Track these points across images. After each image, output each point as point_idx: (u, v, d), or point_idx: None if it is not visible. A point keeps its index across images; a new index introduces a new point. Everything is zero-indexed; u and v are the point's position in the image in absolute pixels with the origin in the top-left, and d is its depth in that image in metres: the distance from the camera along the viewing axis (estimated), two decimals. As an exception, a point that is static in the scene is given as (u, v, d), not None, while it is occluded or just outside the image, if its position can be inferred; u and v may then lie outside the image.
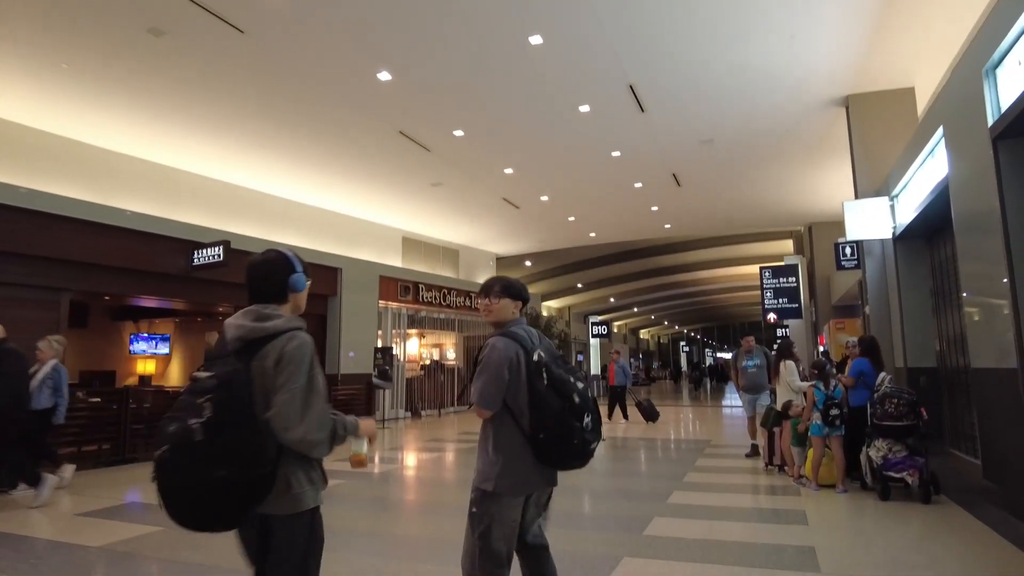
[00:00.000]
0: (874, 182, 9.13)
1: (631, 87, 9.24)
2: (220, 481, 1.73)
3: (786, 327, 23.46)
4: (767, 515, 5.33)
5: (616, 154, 11.92)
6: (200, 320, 15.09)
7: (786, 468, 7.01)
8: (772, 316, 19.55)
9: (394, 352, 15.07)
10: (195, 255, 10.62)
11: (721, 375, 41.26)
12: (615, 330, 38.26)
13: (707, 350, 68.05)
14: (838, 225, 17.44)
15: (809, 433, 6.25)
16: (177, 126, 9.99)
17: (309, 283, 2.14)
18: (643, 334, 57.20)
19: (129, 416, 8.44)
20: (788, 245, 25.26)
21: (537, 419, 2.40)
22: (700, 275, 30.38)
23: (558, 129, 10.72)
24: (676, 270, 28.39)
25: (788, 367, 6.88)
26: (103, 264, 9.69)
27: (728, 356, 51.98)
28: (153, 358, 15.49)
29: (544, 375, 2.44)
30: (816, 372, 6.42)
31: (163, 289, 10.56)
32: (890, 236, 8.41)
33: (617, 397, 14.18)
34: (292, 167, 11.96)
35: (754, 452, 8.41)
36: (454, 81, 8.97)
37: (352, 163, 12.03)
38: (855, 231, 8.66)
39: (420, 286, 15.89)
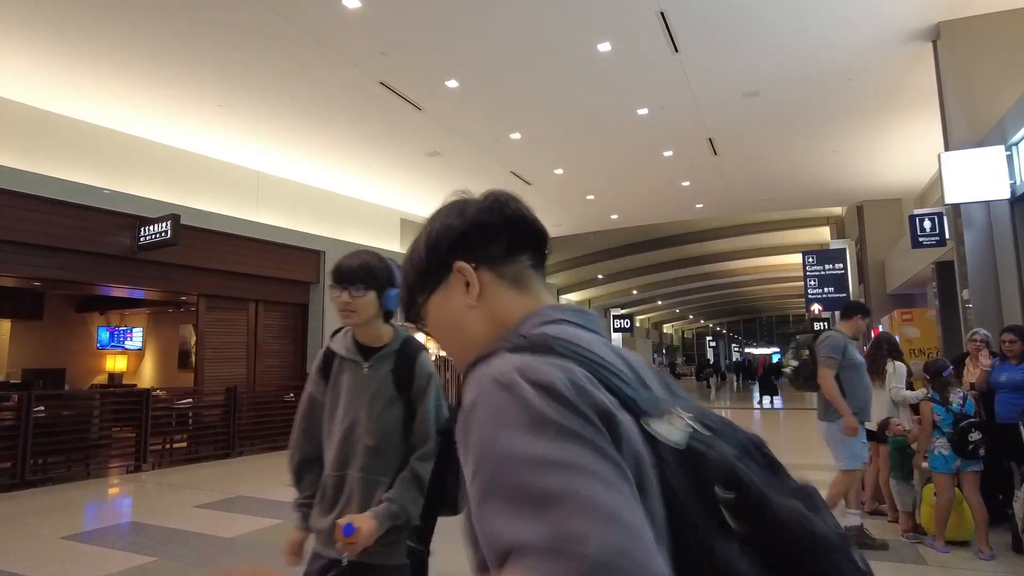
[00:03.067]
0: (975, 130, 7.12)
1: (662, 15, 7.33)
2: None
3: (825, 320, 21.40)
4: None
5: (643, 112, 10.00)
6: (171, 311, 13.47)
7: (884, 509, 5.10)
8: (817, 307, 17.51)
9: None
10: (141, 232, 8.94)
11: (748, 372, 38.61)
12: (637, 324, 36.32)
13: (733, 345, 65.64)
14: (893, 203, 15.45)
15: (928, 467, 4.33)
16: (115, 76, 8.26)
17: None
18: (666, 328, 55.10)
19: (32, 426, 6.74)
20: (824, 233, 23.27)
21: None
22: (729, 266, 28.35)
23: (573, 77, 8.82)
24: (703, 260, 26.41)
25: (898, 370, 4.93)
26: (24, 242, 8.05)
27: (762, 351, 47.98)
28: (124, 353, 13.92)
29: (733, 512, 0.59)
30: (929, 378, 4.49)
31: (102, 273, 8.89)
32: (1007, 197, 6.41)
33: None
34: (256, 130, 10.17)
35: (867, 540, 4.38)
36: (440, 9, 7.14)
37: (329, 127, 10.23)
38: (957, 192, 6.66)
39: (419, 273, 14.09)
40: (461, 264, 0.87)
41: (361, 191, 13.45)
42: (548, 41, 7.86)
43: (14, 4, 6.70)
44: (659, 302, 37.77)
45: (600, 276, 27.91)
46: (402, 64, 8.32)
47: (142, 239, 8.88)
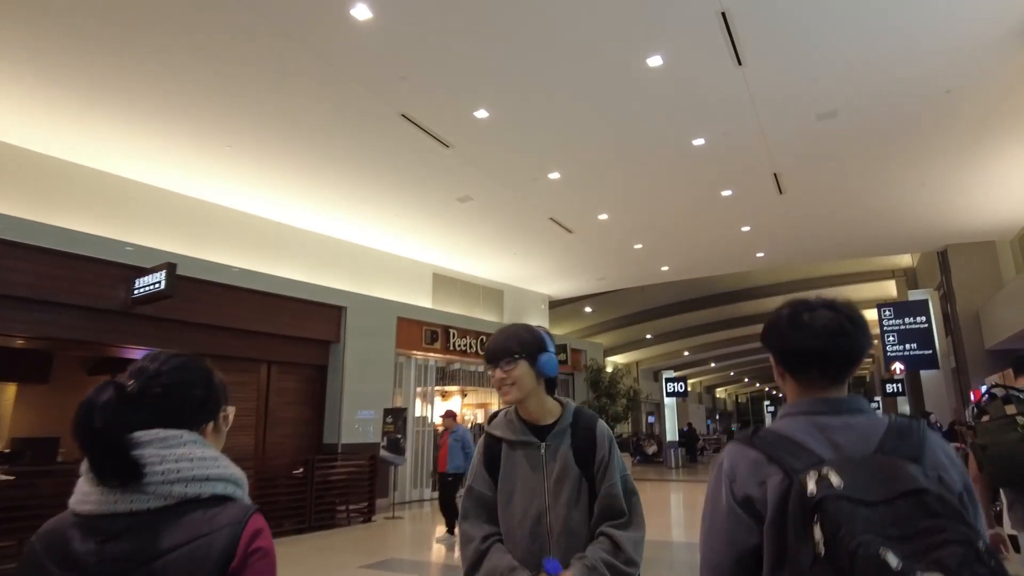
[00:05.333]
0: None
1: (723, 16, 6.20)
2: None
3: (899, 382, 19.27)
4: None
5: (699, 142, 8.79)
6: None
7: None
8: (898, 366, 15.56)
9: (416, 414, 12.02)
10: (137, 284, 8.02)
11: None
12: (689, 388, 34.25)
13: (792, 410, 61.91)
14: (985, 247, 13.65)
15: None
16: (109, 114, 7.50)
17: None
18: (719, 392, 52.41)
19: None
20: (890, 287, 21.46)
21: None
22: (788, 324, 26.47)
23: (619, 101, 7.71)
24: (759, 319, 24.64)
25: None
26: (7, 295, 7.19)
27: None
28: (136, 421, 12.91)
29: None
30: None
31: (94, 329, 7.95)
32: None
33: (450, 495, 8.17)
34: (270, 174, 9.25)
35: None
36: (463, 22, 6.16)
37: (349, 171, 9.27)
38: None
39: (451, 331, 12.88)
40: None
41: (388, 242, 12.46)
42: (589, 55, 6.78)
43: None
44: (712, 364, 35.71)
45: (648, 336, 26.34)
46: (424, 91, 7.35)
47: (136, 292, 7.94)
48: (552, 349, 1.90)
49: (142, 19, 5.91)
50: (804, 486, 1.00)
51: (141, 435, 1.07)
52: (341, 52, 6.57)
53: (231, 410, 1.28)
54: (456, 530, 7.69)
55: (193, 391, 1.17)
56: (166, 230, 9.15)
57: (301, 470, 9.04)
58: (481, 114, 7.91)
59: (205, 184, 9.48)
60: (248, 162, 8.87)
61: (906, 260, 19.16)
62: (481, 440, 1.95)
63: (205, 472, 1.07)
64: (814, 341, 1.20)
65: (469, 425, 15.21)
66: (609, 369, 18.76)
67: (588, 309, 21.29)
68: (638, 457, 22.38)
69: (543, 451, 1.84)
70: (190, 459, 1.07)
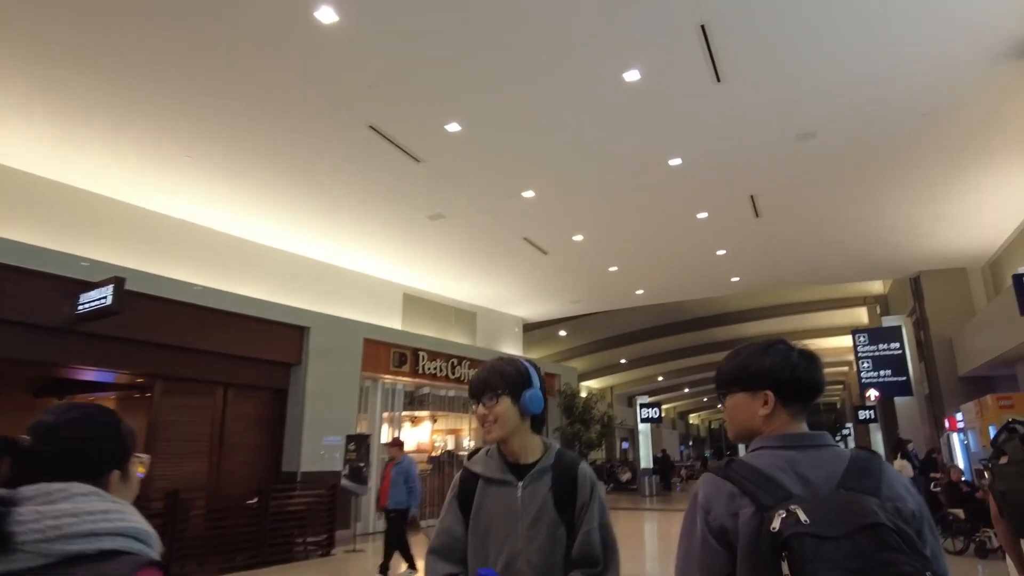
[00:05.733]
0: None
1: (703, 28, 6.02)
2: None
3: (872, 408, 19.21)
4: None
5: (675, 162, 8.60)
6: (137, 396, 11.85)
7: None
8: (873, 393, 15.47)
9: (382, 440, 11.52)
10: (81, 300, 7.50)
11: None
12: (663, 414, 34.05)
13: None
14: (957, 273, 13.66)
15: None
16: (55, 119, 7.07)
17: None
18: (693, 418, 52.30)
19: None
20: (861, 314, 21.56)
21: None
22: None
23: (595, 114, 7.48)
24: (732, 345, 24.62)
25: None
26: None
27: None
28: (84, 447, 12.18)
29: None
30: None
31: (31, 346, 7.39)
32: None
33: (396, 532, 7.30)
34: (231, 186, 8.84)
35: None
36: (435, 29, 5.89)
37: (316, 184, 8.91)
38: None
39: (421, 354, 12.42)
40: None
41: (355, 261, 12.05)
42: (566, 67, 6.55)
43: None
44: (686, 389, 35.57)
45: (623, 361, 26.10)
46: (393, 101, 7.05)
47: (80, 308, 7.43)
48: (538, 384, 1.79)
49: (91, 19, 5.54)
50: (772, 523, 1.08)
51: (24, 491, 1.02)
52: (305, 57, 6.25)
53: (145, 458, 1.25)
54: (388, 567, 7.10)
55: (94, 444, 1.13)
56: (115, 243, 8.65)
57: (256, 499, 8.48)
58: (453, 128, 7.62)
59: (159, 195, 9.01)
60: (207, 173, 8.45)
61: (877, 287, 19.25)
62: (458, 475, 1.87)
63: (91, 527, 1.00)
64: (810, 372, 1.33)
65: (439, 452, 14.71)
66: (583, 394, 18.41)
67: (562, 333, 20.99)
68: (611, 485, 21.94)
69: (520, 492, 1.74)
70: (74, 514, 1.00)
